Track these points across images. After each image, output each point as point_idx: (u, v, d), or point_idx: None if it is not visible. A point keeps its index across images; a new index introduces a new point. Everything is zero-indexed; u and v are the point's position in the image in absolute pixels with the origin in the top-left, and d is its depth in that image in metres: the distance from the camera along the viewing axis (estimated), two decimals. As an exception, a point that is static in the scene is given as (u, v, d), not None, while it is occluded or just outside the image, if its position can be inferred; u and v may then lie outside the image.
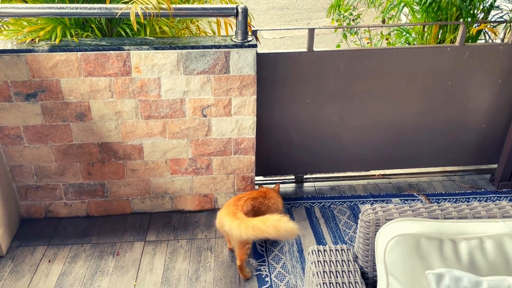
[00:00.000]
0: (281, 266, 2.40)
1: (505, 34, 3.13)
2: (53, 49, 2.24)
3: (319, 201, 2.90)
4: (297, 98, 2.71)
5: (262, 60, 2.53)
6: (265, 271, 2.37)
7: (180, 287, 2.28)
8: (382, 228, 1.36)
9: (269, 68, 2.58)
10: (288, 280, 2.31)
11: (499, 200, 2.87)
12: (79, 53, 2.26)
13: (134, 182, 2.67)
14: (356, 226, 2.65)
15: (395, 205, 1.47)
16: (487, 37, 3.05)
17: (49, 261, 2.44)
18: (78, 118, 2.44)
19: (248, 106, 2.49)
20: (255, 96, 2.47)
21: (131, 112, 2.44)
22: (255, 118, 2.54)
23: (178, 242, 2.57)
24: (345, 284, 1.43)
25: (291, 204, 2.87)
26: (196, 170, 2.66)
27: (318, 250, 1.58)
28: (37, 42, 2.31)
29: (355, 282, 1.44)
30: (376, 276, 1.47)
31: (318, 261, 1.53)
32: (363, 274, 1.51)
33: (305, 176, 3.10)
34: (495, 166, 3.07)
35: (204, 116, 2.50)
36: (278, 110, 2.73)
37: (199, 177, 2.69)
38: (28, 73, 2.29)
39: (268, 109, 2.71)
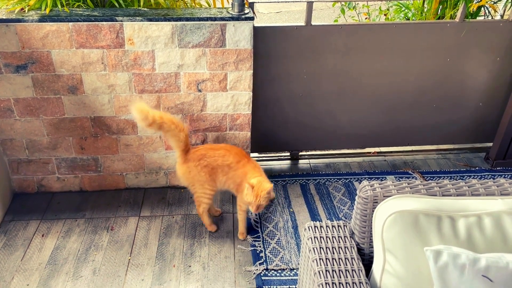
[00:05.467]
0: (276, 242, 2.41)
1: (505, 10, 3.08)
2: (43, 19, 2.17)
3: (314, 178, 2.89)
4: (294, 74, 2.67)
5: (259, 34, 2.47)
6: (260, 246, 2.38)
7: (175, 262, 2.28)
8: (380, 204, 1.35)
9: (266, 42, 2.53)
10: (282, 255, 2.32)
11: (493, 178, 2.88)
12: (70, 23, 2.19)
13: (128, 157, 2.64)
14: (351, 203, 2.66)
15: (393, 182, 1.46)
16: (487, 12, 3.00)
17: (43, 235, 2.42)
18: (70, 91, 2.38)
19: (244, 81, 2.45)
20: (252, 71, 2.43)
21: (125, 85, 2.39)
22: (251, 94, 2.50)
23: (173, 217, 2.57)
24: (342, 260, 1.43)
25: (286, 180, 2.86)
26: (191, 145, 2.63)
27: (315, 226, 1.57)
28: (26, 11, 2.23)
29: (352, 258, 1.44)
30: (372, 252, 1.47)
31: (314, 237, 1.52)
32: (360, 250, 1.51)
33: (300, 153, 3.09)
34: (490, 144, 3.07)
35: (199, 91, 2.45)
36: (274, 86, 2.69)
37: (194, 153, 2.67)
38: (17, 44, 2.22)
39: (264, 84, 2.67)
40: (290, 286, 2.16)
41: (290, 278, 2.20)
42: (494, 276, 1.12)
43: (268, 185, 2.12)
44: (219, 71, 2.40)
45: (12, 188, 2.68)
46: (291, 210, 2.62)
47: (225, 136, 2.62)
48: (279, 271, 2.24)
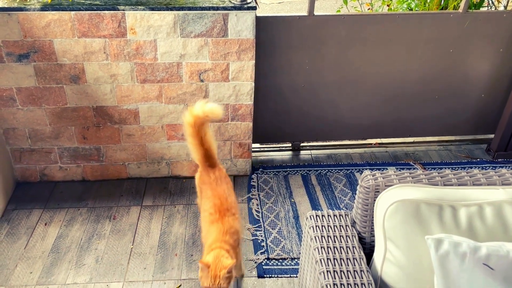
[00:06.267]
0: (277, 231, 2.42)
1: (508, 1, 3.06)
2: (45, 8, 2.16)
3: (316, 169, 2.90)
4: (296, 64, 2.66)
5: (261, 24, 2.46)
6: (261, 236, 2.39)
7: (177, 251, 2.30)
8: (382, 193, 1.36)
9: (268, 32, 2.52)
10: (283, 245, 2.34)
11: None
12: (72, 12, 2.18)
13: (130, 147, 2.64)
14: (352, 194, 2.67)
15: (394, 172, 1.46)
16: (491, 3, 2.98)
17: (45, 224, 2.44)
18: (72, 80, 2.38)
19: (246, 71, 2.45)
20: (254, 61, 2.42)
21: (127, 75, 2.39)
22: (253, 84, 2.50)
23: (175, 207, 2.58)
24: (343, 248, 1.44)
25: (287, 171, 2.87)
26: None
27: (316, 215, 1.58)
28: (28, 0, 2.22)
29: (353, 247, 1.45)
30: (373, 241, 1.48)
31: (316, 226, 1.53)
32: (361, 239, 1.52)
33: (302, 144, 3.09)
34: (492, 136, 3.07)
35: (201, 81, 2.45)
36: (276, 76, 2.69)
37: (196, 143, 2.67)
38: (20, 32, 2.21)
39: (266, 75, 2.66)
40: (291, 275, 2.17)
41: (291, 267, 2.22)
42: (495, 265, 1.12)
43: (228, 261, 1.65)
44: (221, 61, 2.40)
45: (15, 177, 2.69)
46: (292, 200, 2.63)
47: (227, 126, 2.62)
48: (280, 260, 2.26)
